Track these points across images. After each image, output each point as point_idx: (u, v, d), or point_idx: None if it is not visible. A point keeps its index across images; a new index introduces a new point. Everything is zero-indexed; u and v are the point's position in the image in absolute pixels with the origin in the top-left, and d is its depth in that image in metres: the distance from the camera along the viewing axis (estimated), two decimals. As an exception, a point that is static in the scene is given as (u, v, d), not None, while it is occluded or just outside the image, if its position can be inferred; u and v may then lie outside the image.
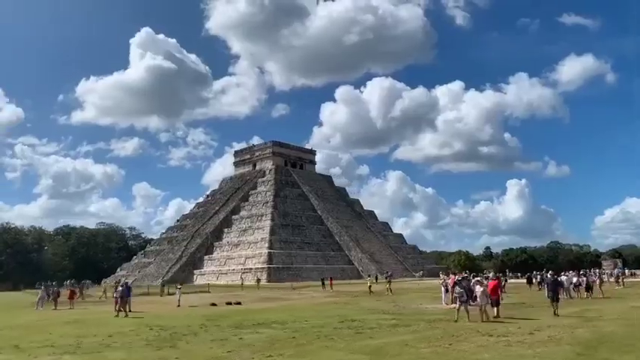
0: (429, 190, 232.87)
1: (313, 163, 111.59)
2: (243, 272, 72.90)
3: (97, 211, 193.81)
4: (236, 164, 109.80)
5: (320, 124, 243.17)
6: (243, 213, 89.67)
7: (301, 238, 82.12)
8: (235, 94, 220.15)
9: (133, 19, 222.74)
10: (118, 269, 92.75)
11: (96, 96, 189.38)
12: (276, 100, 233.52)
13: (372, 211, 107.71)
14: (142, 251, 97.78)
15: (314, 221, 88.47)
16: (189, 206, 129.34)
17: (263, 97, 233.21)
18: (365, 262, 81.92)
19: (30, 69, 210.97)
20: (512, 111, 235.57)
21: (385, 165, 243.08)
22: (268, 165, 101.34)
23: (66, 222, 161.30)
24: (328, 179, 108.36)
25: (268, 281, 67.52)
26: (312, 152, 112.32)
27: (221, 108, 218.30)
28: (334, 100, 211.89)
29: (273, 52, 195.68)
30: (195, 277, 79.61)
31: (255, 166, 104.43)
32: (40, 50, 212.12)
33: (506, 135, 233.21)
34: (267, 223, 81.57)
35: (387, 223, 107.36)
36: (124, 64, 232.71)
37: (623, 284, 40.96)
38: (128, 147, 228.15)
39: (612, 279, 45.93)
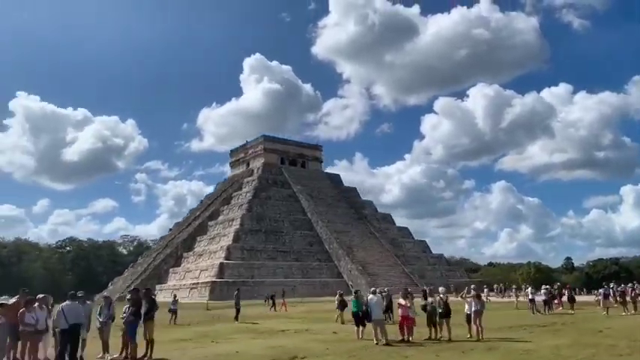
0: (536, 200, 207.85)
1: (319, 160, 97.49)
2: (191, 288, 60.50)
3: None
4: (231, 165, 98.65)
5: (421, 138, 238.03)
6: (220, 218, 77.72)
7: (276, 245, 68.30)
8: (341, 116, 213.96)
9: (243, 46, 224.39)
10: (110, 283, 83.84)
11: (212, 124, 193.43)
12: (380, 119, 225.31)
13: (388, 215, 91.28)
14: (132, 264, 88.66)
15: (300, 226, 74.29)
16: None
17: (368, 117, 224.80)
18: (354, 274, 66.19)
19: (159, 100, 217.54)
20: (633, 114, 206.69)
21: (489, 176, 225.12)
22: (258, 163, 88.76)
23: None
24: (334, 178, 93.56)
25: (210, 299, 54.23)
26: (317, 148, 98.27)
27: (327, 130, 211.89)
28: (435, 113, 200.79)
29: (379, 71, 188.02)
30: (156, 292, 68.15)
31: (248, 165, 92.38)
32: (167, 80, 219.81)
33: (626, 139, 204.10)
34: (233, 228, 68.65)
35: (407, 228, 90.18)
36: (237, 91, 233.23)
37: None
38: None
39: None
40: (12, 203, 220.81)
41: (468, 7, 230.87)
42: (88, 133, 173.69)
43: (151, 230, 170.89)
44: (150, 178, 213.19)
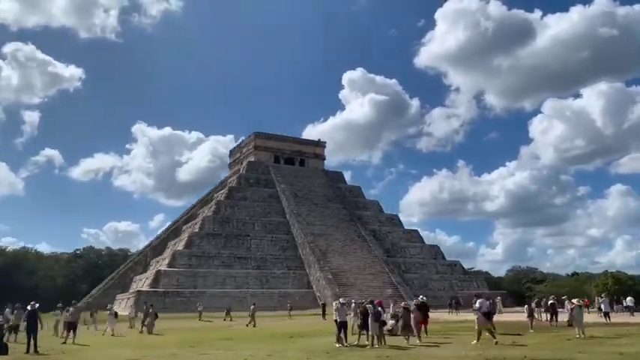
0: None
1: (320, 157, 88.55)
2: (128, 299, 54.51)
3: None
4: (230, 165, 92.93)
5: (528, 142, 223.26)
6: (192, 222, 71.37)
7: (236, 251, 60.54)
8: (447, 125, 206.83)
9: (346, 62, 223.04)
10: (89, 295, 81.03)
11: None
12: (484, 125, 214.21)
13: (395, 216, 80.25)
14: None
15: (275, 229, 66.01)
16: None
17: (472, 124, 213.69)
18: (321, 283, 56.78)
19: (268, 118, 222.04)
20: None
21: (605, 180, 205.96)
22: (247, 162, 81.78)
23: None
24: (333, 176, 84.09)
25: (136, 311, 47.67)
26: (318, 144, 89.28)
27: (428, 140, 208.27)
28: (544, 115, 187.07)
29: (488, 77, 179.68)
30: (116, 302, 63.26)
31: (242, 164, 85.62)
32: (274, 99, 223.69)
33: None
34: (189, 232, 61.97)
35: (416, 231, 78.62)
36: (340, 105, 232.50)
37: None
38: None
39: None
40: (130, 220, 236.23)
41: (586, 5, 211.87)
42: (200, 152, 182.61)
43: None
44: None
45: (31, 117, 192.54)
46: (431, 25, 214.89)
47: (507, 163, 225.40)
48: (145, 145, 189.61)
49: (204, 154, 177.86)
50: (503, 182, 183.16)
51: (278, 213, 69.29)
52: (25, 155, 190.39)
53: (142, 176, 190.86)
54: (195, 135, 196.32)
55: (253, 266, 59.67)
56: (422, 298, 22.15)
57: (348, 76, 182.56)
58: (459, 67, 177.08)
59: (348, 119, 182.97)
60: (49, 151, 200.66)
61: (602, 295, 41.26)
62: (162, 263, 58.43)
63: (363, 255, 64.22)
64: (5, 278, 78.11)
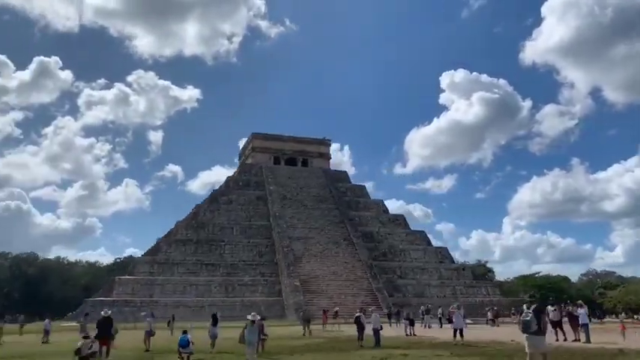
0: None
1: (325, 156, 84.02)
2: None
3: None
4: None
5: None
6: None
7: (205, 257, 57.90)
8: (560, 122, 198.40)
9: (447, 61, 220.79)
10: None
11: (417, 144, 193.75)
12: (601, 119, 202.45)
13: (400, 216, 74.09)
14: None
15: (255, 234, 62.69)
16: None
17: (589, 121, 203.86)
18: (287, 291, 52.68)
19: (368, 125, 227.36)
20: None
21: None
22: (248, 164, 79.18)
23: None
24: (333, 175, 79.26)
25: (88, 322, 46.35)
26: (323, 143, 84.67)
27: (541, 139, 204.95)
28: None
29: (606, 70, 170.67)
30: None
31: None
32: (373, 105, 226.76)
33: None
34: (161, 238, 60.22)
35: (423, 232, 71.98)
36: (439, 108, 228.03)
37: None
38: (443, 184, 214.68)
39: None
40: None
41: None
42: None
43: None
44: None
45: (156, 137, 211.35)
46: (537, 20, 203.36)
47: (623, 161, 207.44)
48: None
49: None
50: (621, 180, 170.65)
51: (262, 216, 65.87)
52: (151, 172, 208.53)
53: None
54: None
55: (222, 273, 56.60)
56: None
57: (448, 78, 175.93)
58: (572, 61, 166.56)
59: (453, 120, 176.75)
60: (172, 167, 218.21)
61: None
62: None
63: (345, 259, 59.10)
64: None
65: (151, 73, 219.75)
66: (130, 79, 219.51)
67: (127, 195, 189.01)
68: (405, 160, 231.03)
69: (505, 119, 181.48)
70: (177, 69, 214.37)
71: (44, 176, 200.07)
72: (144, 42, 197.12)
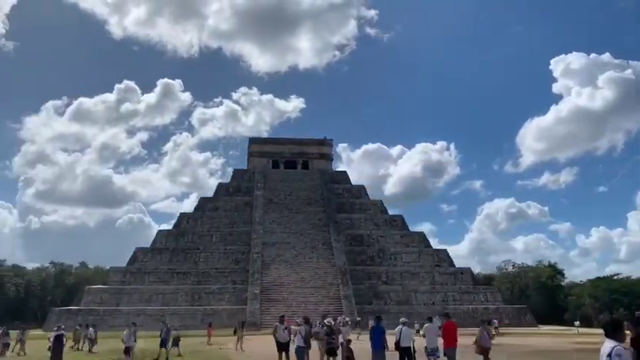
0: None
1: (326, 157, 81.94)
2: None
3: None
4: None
5: None
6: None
7: (177, 266, 58.48)
8: None
9: (550, 46, 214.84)
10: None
11: (531, 138, 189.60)
12: None
13: (398, 216, 70.40)
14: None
15: (235, 240, 62.47)
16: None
17: None
18: (250, 298, 51.83)
19: (476, 122, 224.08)
20: None
21: None
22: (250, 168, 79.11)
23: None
24: (330, 176, 76.98)
25: (45, 329, 48.61)
26: (323, 143, 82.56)
27: None
28: None
29: None
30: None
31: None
32: (481, 101, 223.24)
33: None
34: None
35: (422, 233, 68.39)
36: (553, 97, 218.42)
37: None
38: (561, 179, 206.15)
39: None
40: None
41: None
42: (408, 162, 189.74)
43: (460, 250, 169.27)
44: (463, 200, 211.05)
45: None
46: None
47: None
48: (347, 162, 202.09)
49: (413, 163, 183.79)
50: None
51: (246, 222, 65.34)
52: None
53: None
54: (398, 147, 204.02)
55: (192, 282, 56.80)
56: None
57: (561, 63, 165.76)
58: None
59: (575, 108, 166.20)
60: None
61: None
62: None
63: (318, 265, 57.19)
64: None
65: (257, 88, 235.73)
66: (237, 95, 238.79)
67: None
68: (517, 155, 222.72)
69: (636, 104, 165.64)
70: (285, 82, 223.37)
71: (165, 190, 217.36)
72: (257, 59, 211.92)
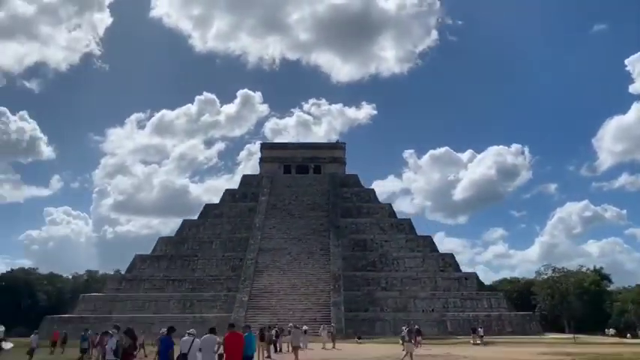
0: None
1: (339, 161, 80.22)
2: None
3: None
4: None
5: None
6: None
7: (174, 274, 58.93)
8: None
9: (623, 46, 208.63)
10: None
11: (608, 139, 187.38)
12: None
13: (405, 221, 68.01)
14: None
15: (235, 247, 62.24)
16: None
17: None
18: (236, 306, 51.36)
19: (551, 124, 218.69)
20: None
21: None
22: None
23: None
24: (340, 180, 75.19)
25: (40, 337, 50.21)
26: (336, 147, 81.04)
27: None
28: None
29: None
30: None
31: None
32: (556, 102, 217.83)
33: None
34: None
35: (429, 237, 65.60)
36: (630, 98, 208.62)
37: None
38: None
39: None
40: None
41: None
42: (479, 166, 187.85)
43: (529, 255, 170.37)
44: (535, 203, 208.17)
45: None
46: None
47: None
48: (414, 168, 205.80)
49: (485, 167, 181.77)
50: None
51: (248, 228, 64.92)
52: None
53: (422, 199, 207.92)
54: (468, 152, 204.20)
55: (187, 289, 56.93)
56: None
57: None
58: None
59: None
60: None
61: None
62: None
63: (312, 271, 55.90)
64: None
65: (333, 97, 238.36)
66: (309, 104, 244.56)
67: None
68: (594, 158, 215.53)
69: None
70: (361, 90, 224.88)
71: None
72: (337, 68, 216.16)
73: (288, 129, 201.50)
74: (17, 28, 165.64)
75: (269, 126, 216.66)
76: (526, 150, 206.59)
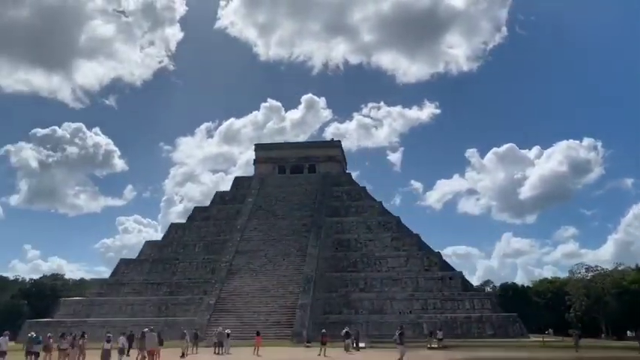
0: None
1: (334, 159, 78.77)
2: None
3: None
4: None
5: None
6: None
7: (153, 277, 59.37)
8: None
9: None
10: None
11: None
12: None
13: (394, 218, 65.40)
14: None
15: (217, 250, 62.05)
16: None
17: None
18: (200, 310, 51.16)
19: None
20: None
21: None
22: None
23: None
24: (331, 179, 73.66)
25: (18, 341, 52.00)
26: (331, 145, 79.58)
27: None
28: None
29: None
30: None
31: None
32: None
33: None
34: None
35: (417, 236, 62.77)
36: None
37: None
38: None
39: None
40: (465, 244, 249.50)
41: None
42: (547, 164, 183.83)
43: (602, 255, 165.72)
44: (607, 200, 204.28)
45: (395, 157, 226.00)
46: None
47: None
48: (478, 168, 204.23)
49: (555, 163, 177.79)
50: None
51: (232, 231, 64.55)
52: (395, 187, 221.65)
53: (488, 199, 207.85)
54: (536, 149, 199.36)
55: (164, 292, 57.19)
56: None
57: None
58: None
59: None
60: (414, 183, 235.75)
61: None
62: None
63: (285, 273, 54.99)
64: None
65: (395, 99, 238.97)
66: (368, 107, 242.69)
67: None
68: None
69: None
70: (426, 89, 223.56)
71: None
72: (402, 68, 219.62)
73: (349, 132, 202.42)
74: (97, 48, 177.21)
75: (330, 130, 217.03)
76: (599, 144, 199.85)
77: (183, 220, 71.85)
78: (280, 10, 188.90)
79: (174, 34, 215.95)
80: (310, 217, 64.02)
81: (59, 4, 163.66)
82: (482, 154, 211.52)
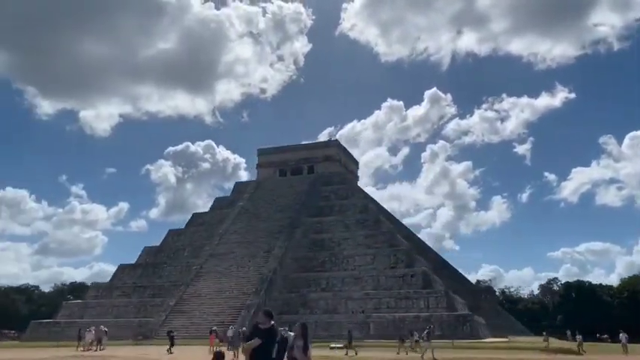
0: None
1: (332, 159, 78.99)
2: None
3: None
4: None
5: None
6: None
7: (141, 281, 64.36)
8: None
9: None
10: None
11: None
12: None
13: (371, 216, 64.54)
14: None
15: (198, 254, 65.66)
16: None
17: None
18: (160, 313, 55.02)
19: None
20: None
21: None
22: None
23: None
24: (324, 179, 74.04)
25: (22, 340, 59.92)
26: (328, 145, 79.74)
27: None
28: None
29: None
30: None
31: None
32: None
33: None
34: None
35: (390, 233, 61.45)
36: None
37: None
38: None
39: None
40: (602, 240, 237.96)
41: None
42: None
43: None
44: None
45: (522, 149, 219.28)
46: None
47: None
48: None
49: None
50: None
51: (223, 234, 67.81)
52: (525, 181, 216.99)
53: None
54: None
55: (148, 295, 61.68)
56: None
57: None
58: None
59: None
60: (547, 175, 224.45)
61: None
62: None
63: (246, 274, 57.38)
64: None
65: (528, 87, 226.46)
66: (490, 101, 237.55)
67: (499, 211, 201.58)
68: None
69: None
70: (565, 73, 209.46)
71: (421, 202, 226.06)
72: (543, 53, 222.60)
73: (471, 127, 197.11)
74: (234, 68, 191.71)
75: (450, 126, 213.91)
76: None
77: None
78: (401, 4, 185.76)
79: (301, 46, 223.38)
80: (289, 218, 65.35)
81: (203, 31, 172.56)
82: (620, 141, 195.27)
